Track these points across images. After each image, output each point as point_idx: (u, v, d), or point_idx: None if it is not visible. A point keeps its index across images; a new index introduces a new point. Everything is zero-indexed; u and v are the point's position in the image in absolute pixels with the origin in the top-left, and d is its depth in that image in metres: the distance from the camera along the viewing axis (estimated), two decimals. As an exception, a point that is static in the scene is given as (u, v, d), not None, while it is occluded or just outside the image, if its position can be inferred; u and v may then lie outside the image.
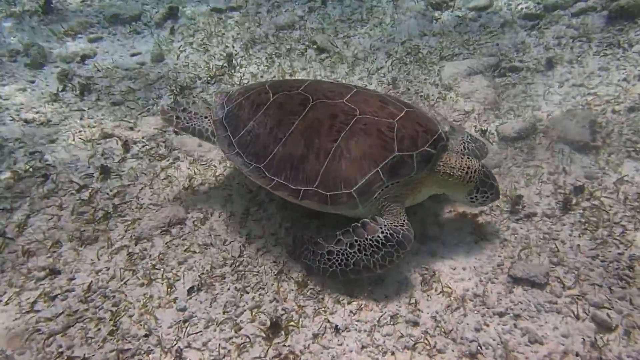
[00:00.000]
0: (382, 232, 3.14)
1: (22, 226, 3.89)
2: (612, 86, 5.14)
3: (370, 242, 3.14)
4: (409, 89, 5.67)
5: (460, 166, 3.38)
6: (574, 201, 3.81)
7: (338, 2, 7.75)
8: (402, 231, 3.14)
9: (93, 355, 2.91)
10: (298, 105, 3.52)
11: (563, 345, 2.82)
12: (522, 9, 6.83)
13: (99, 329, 3.08)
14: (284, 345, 2.95)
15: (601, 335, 2.84)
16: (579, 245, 3.47)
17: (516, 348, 2.83)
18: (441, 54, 6.21)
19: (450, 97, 5.43)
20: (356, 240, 3.17)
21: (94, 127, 5.18)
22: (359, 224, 3.24)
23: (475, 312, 3.08)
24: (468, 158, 3.44)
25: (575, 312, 2.99)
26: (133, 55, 6.91)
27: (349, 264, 3.16)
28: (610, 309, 2.98)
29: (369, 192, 3.21)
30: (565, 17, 6.42)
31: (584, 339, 2.81)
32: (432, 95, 5.51)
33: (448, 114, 5.15)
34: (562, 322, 2.96)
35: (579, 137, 4.44)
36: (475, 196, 3.45)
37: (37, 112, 5.42)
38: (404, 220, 3.22)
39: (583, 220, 3.67)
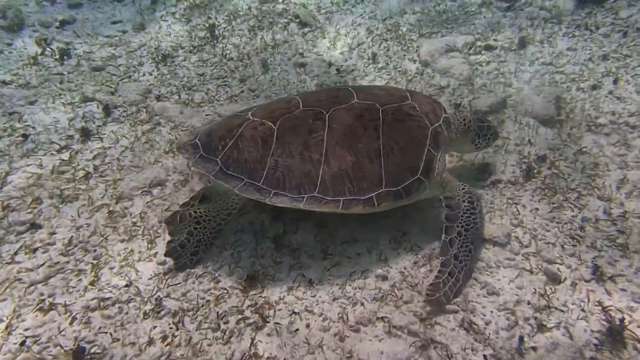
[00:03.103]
0: (464, 201, 3.40)
1: (1, 183, 3.93)
2: (578, 65, 5.40)
3: (467, 214, 3.35)
4: (388, 64, 5.82)
5: (459, 121, 3.77)
6: (536, 170, 4.06)
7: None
8: (470, 189, 3.48)
9: (75, 302, 3.03)
10: (313, 121, 3.32)
11: (517, 295, 3.06)
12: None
13: (80, 280, 3.19)
14: (260, 296, 3.11)
15: (550, 286, 3.09)
16: (537, 208, 3.71)
17: (475, 299, 3.06)
18: (420, 31, 6.36)
19: (427, 73, 5.60)
20: (458, 225, 3.32)
21: (74, 90, 5.18)
22: (447, 210, 3.39)
23: (440, 267, 3.28)
24: (459, 112, 3.87)
25: (529, 267, 3.24)
26: (114, 22, 6.85)
27: (472, 246, 3.26)
28: (560, 264, 3.24)
29: (431, 169, 3.36)
30: (539, 0, 6.63)
31: (535, 289, 3.06)
32: (410, 70, 5.67)
33: (425, 89, 5.32)
34: (518, 276, 3.20)
35: (544, 111, 4.68)
36: (479, 142, 3.89)
37: (15, 74, 5.37)
38: (458, 182, 3.54)
39: (543, 187, 3.92)
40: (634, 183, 3.90)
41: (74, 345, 2.77)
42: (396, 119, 3.38)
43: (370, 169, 3.22)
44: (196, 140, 3.39)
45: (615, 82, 5.13)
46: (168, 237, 3.37)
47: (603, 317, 2.86)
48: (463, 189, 3.45)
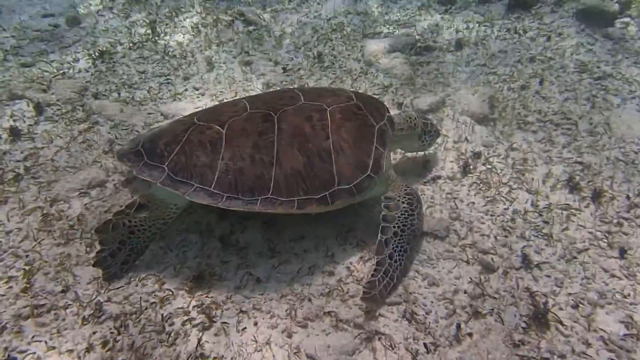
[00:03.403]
0: (404, 202, 3.43)
1: None
2: (509, 67, 5.78)
3: (404, 215, 3.38)
4: (333, 64, 5.91)
5: (404, 120, 3.92)
6: (472, 166, 4.30)
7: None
8: (412, 190, 3.52)
9: (4, 311, 2.85)
10: (262, 123, 3.32)
11: (455, 285, 3.24)
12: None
13: (11, 287, 3.01)
14: (207, 297, 3.08)
15: (484, 275, 3.31)
16: (473, 202, 3.95)
17: (417, 290, 3.20)
18: (364, 31, 6.51)
19: (371, 72, 5.75)
20: (394, 226, 3.33)
21: (0, 87, 4.83)
22: (385, 211, 3.39)
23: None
24: (404, 112, 4.06)
25: (466, 258, 3.44)
26: (45, 16, 6.45)
27: (407, 246, 3.30)
28: (494, 254, 3.47)
29: (380, 166, 3.44)
30: (473, 4, 7.03)
31: (471, 279, 3.26)
32: (355, 70, 5.80)
33: (369, 88, 5.47)
34: (456, 267, 3.39)
35: (479, 110, 4.97)
36: (425, 138, 4.07)
37: None
38: (402, 182, 3.60)
39: (479, 182, 4.17)
40: (557, 177, 4.24)
41: (3, 356, 2.61)
42: (344, 119, 3.46)
43: (322, 168, 3.26)
44: (139, 147, 3.30)
45: (541, 83, 5.54)
46: (98, 247, 3.19)
47: (530, 302, 3.10)
48: (405, 190, 3.53)
